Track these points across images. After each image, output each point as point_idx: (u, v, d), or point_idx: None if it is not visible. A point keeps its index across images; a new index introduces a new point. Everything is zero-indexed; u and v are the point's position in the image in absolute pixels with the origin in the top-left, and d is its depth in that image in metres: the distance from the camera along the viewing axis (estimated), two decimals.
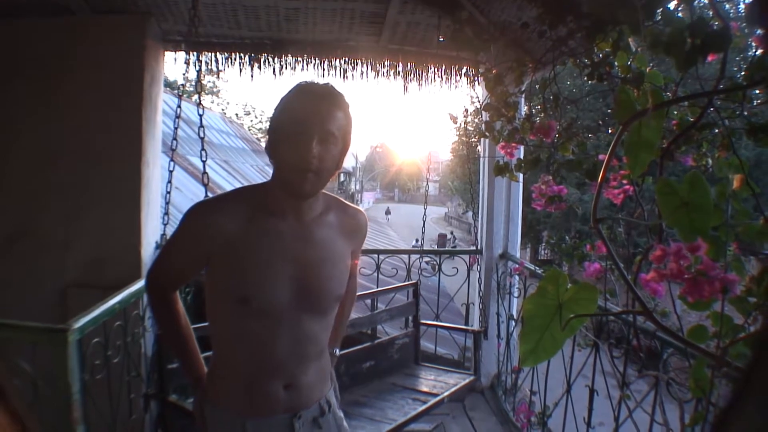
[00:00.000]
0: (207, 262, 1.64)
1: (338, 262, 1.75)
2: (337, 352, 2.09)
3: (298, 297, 1.64)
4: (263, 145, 1.83)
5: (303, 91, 1.61)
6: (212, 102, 34.74)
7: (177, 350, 1.89)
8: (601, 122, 19.97)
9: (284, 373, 1.69)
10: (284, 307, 1.63)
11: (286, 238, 1.64)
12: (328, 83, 1.65)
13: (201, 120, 3.62)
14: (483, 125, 2.78)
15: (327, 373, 1.87)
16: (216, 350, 1.76)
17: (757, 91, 1.94)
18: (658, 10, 1.52)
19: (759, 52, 1.43)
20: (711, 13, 1.50)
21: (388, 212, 49.28)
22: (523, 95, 2.78)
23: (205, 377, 1.80)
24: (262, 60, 4.70)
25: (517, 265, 4.59)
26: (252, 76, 4.69)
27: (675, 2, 1.67)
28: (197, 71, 3.80)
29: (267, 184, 1.71)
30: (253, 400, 1.67)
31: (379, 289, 4.23)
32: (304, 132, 1.54)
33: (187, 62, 3.93)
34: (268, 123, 1.68)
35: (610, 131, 18.38)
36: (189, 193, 8.04)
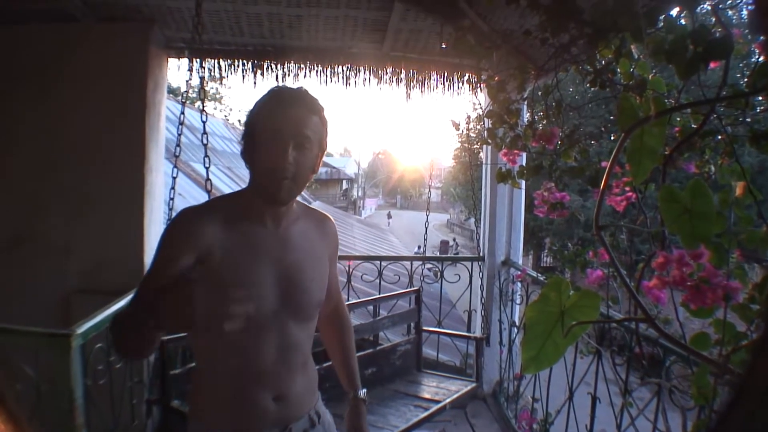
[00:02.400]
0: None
1: (317, 266, 1.75)
2: (363, 393, 2.00)
3: (283, 302, 1.63)
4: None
5: (277, 96, 1.60)
6: (215, 108, 34.75)
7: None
8: (603, 129, 19.96)
9: (273, 383, 1.64)
10: (270, 313, 1.61)
11: (267, 244, 1.63)
12: (301, 87, 1.63)
13: (204, 126, 3.62)
14: (485, 132, 2.78)
15: (314, 385, 1.83)
16: (200, 364, 1.71)
17: (760, 98, 1.94)
18: (660, 18, 1.52)
19: (761, 59, 1.43)
20: (713, 20, 1.50)
21: (389, 216, 49.53)
22: (526, 102, 2.77)
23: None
24: (265, 67, 4.72)
25: (519, 272, 4.59)
26: (255, 83, 4.71)
27: (677, 10, 1.67)
28: (200, 78, 3.81)
29: (243, 192, 1.69)
30: (242, 414, 1.62)
31: (382, 295, 4.22)
32: (280, 138, 1.53)
33: (190, 69, 3.94)
34: (243, 128, 1.65)
35: (612, 138, 18.38)
36: (192, 200, 8.05)
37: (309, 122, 1.57)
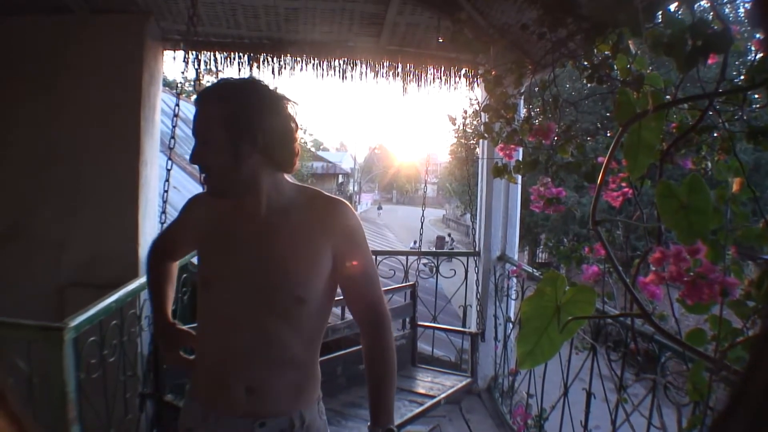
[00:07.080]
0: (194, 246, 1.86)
1: (300, 257, 1.64)
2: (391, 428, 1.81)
3: (255, 291, 1.61)
4: None
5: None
6: None
7: (154, 293, 1.97)
8: (599, 125, 19.97)
9: (244, 374, 1.62)
10: (239, 301, 1.61)
11: (244, 230, 1.65)
12: (228, 78, 1.68)
13: None
14: (482, 127, 2.77)
15: (306, 386, 1.73)
16: (195, 347, 1.82)
17: (756, 96, 1.94)
18: (659, 13, 1.51)
19: (759, 54, 1.42)
20: (711, 15, 1.49)
21: (379, 208, 49.78)
22: (523, 97, 2.77)
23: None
24: (261, 60, 4.70)
25: (514, 268, 4.58)
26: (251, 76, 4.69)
27: (675, 5, 1.66)
28: (196, 70, 3.79)
29: None
30: (214, 394, 1.67)
31: None
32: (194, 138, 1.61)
33: (185, 61, 3.92)
34: None
35: (608, 134, 18.38)
36: (187, 193, 8.02)
37: (205, 115, 1.56)
